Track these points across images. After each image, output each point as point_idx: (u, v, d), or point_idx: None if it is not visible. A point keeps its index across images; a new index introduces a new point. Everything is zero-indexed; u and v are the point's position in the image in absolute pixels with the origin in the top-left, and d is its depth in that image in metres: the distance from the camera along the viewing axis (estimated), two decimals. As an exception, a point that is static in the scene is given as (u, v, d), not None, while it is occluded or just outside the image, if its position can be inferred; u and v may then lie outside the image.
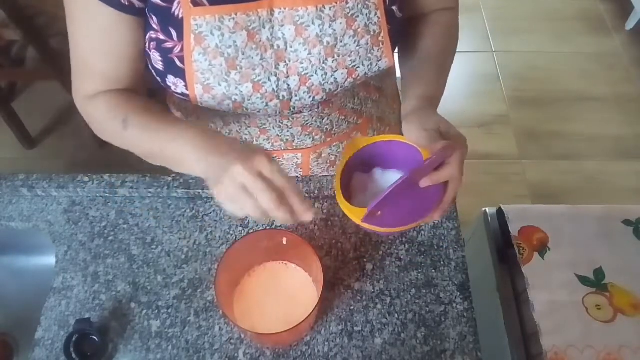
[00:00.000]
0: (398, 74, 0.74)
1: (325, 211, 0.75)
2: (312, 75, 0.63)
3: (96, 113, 0.64)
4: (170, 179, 0.77)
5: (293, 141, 0.75)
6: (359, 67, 0.64)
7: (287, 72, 0.62)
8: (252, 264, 0.66)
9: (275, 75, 0.62)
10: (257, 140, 0.75)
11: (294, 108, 0.67)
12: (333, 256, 0.71)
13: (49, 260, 0.76)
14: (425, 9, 0.72)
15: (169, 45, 0.59)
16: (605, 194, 1.85)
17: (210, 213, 0.75)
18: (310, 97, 0.65)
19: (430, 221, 0.58)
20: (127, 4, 0.56)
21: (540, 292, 0.82)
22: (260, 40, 0.60)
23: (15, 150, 1.95)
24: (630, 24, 2.36)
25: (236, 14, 0.57)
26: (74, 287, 0.69)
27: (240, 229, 0.74)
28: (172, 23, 0.58)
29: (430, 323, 0.66)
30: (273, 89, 0.62)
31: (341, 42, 0.61)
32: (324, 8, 0.59)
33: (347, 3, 0.60)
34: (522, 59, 2.30)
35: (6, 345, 0.79)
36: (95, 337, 0.63)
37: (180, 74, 0.60)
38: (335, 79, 0.64)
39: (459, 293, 0.68)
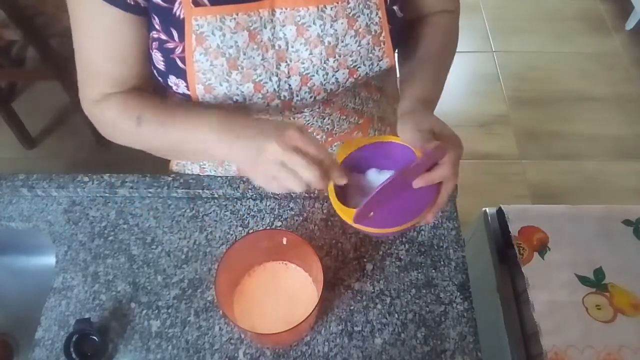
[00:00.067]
0: (398, 74, 0.74)
1: (325, 211, 0.75)
2: (313, 75, 0.63)
3: (106, 115, 0.64)
4: (170, 179, 0.77)
5: None
6: (360, 67, 0.64)
7: (288, 72, 0.62)
8: (252, 264, 0.66)
9: (277, 75, 0.62)
10: None
11: (295, 108, 0.67)
12: (333, 256, 0.71)
13: (49, 260, 0.76)
14: (425, 11, 0.72)
15: (170, 45, 0.59)
16: (605, 194, 1.85)
17: (210, 213, 0.75)
18: (311, 97, 0.65)
19: (424, 223, 0.58)
20: (132, 3, 0.56)
21: (540, 292, 0.82)
22: (262, 41, 0.60)
23: (15, 150, 1.95)
24: (630, 24, 2.36)
25: (237, 14, 0.57)
26: (74, 287, 0.69)
27: (240, 229, 0.74)
28: (174, 23, 0.58)
29: (430, 323, 0.66)
30: (274, 89, 0.62)
31: (342, 42, 0.61)
32: (325, 8, 0.59)
33: (348, 3, 0.60)
34: (522, 59, 2.30)
35: (6, 345, 0.79)
36: (95, 337, 0.63)
37: (182, 74, 0.60)
38: (337, 78, 0.64)
39: (459, 293, 0.68)
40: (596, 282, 0.84)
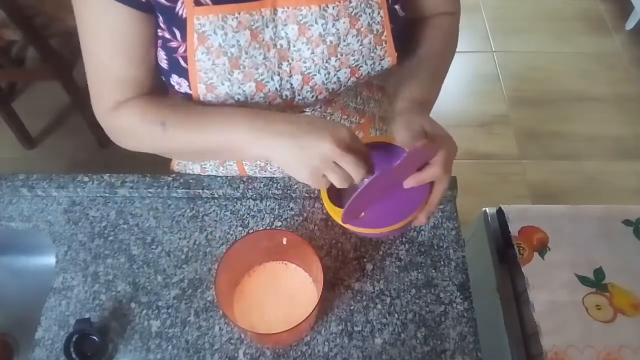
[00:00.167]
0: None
1: (325, 211, 0.75)
2: (315, 75, 0.63)
3: (125, 122, 0.62)
4: (170, 179, 0.77)
5: None
6: (361, 66, 0.64)
7: (290, 72, 0.62)
8: (252, 264, 0.66)
9: (278, 75, 0.62)
10: None
11: (296, 107, 0.67)
12: (333, 256, 0.71)
13: (49, 260, 0.76)
14: (426, 12, 0.72)
15: (173, 44, 0.59)
16: (605, 194, 1.85)
17: (210, 213, 0.75)
18: (313, 96, 0.65)
19: (417, 224, 0.58)
20: (144, 0, 0.56)
21: (540, 292, 0.82)
22: (263, 40, 0.60)
23: (15, 150, 1.95)
24: (630, 24, 2.37)
25: (239, 13, 0.57)
26: (74, 287, 0.69)
27: (240, 229, 0.74)
28: (176, 23, 0.58)
29: (430, 323, 0.66)
30: (276, 88, 0.62)
31: (344, 41, 0.61)
32: (327, 7, 0.59)
33: (350, 2, 0.60)
34: (522, 59, 2.30)
35: (6, 345, 0.79)
36: (95, 337, 0.63)
37: (184, 73, 0.60)
38: (338, 78, 0.64)
39: (459, 293, 0.68)
40: (596, 282, 0.84)
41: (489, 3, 2.51)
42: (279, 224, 0.75)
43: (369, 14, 0.61)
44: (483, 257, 0.96)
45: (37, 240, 0.77)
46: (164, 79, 0.63)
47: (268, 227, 0.74)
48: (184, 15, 0.57)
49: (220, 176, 0.78)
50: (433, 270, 0.70)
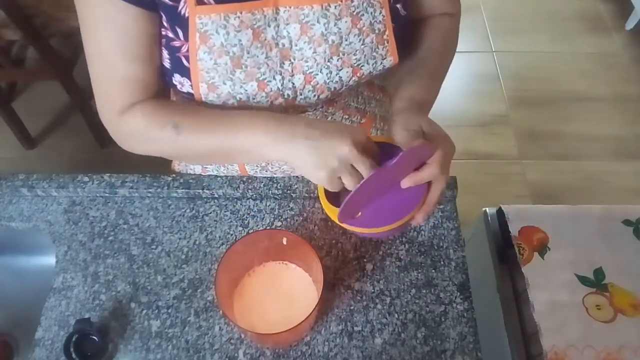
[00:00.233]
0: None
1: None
2: (317, 74, 0.63)
3: (134, 126, 0.62)
4: (170, 179, 0.77)
5: None
6: (363, 65, 0.64)
7: (292, 71, 0.62)
8: (252, 264, 0.66)
9: (280, 74, 0.62)
10: None
11: (298, 107, 0.67)
12: (333, 256, 0.71)
13: (49, 260, 0.76)
14: (426, 13, 0.72)
15: (176, 44, 0.59)
16: (605, 194, 1.85)
17: (210, 213, 0.75)
18: (315, 95, 0.65)
19: (415, 223, 0.59)
20: None
21: (540, 292, 0.82)
22: (265, 39, 0.59)
23: (15, 150, 1.95)
24: (630, 24, 2.37)
25: (241, 13, 0.57)
26: (74, 287, 0.69)
27: (240, 229, 0.74)
28: (179, 22, 0.58)
29: (430, 323, 0.66)
30: (278, 88, 0.62)
31: (346, 40, 0.61)
32: (329, 6, 0.59)
33: (352, 1, 0.60)
34: (522, 59, 2.30)
35: (6, 345, 0.79)
36: (95, 337, 0.63)
37: (186, 73, 0.60)
38: (340, 77, 0.64)
39: (459, 293, 0.68)
40: (596, 282, 0.84)
41: (489, 3, 2.51)
42: (279, 224, 0.75)
43: (371, 13, 0.61)
44: (483, 257, 0.96)
45: (37, 240, 0.77)
46: (166, 78, 0.63)
47: (268, 227, 0.74)
48: (186, 15, 0.57)
49: (220, 176, 0.78)
50: (433, 270, 0.70)
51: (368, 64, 0.64)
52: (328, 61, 0.62)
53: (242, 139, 0.58)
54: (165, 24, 0.58)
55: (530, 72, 2.25)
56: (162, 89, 0.65)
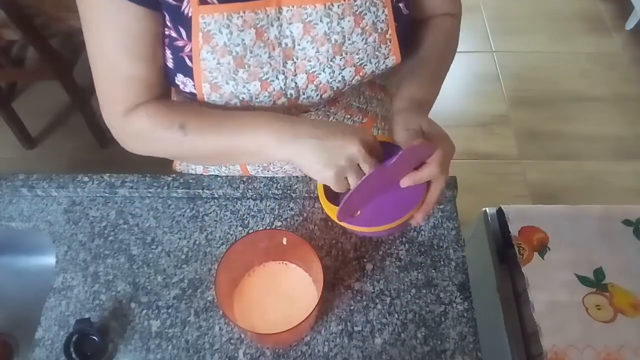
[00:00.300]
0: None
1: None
2: (320, 73, 0.63)
3: (139, 127, 0.62)
4: (170, 179, 0.77)
5: None
6: (366, 64, 0.64)
7: (295, 70, 0.62)
8: (252, 264, 0.66)
9: (283, 74, 0.62)
10: None
11: (301, 106, 0.67)
12: (333, 256, 0.71)
13: (49, 260, 0.76)
14: (428, 13, 0.72)
15: (179, 43, 0.59)
16: (605, 194, 1.85)
17: (210, 213, 0.75)
18: (317, 95, 0.65)
19: (415, 223, 0.59)
20: None
21: (540, 292, 0.82)
22: (268, 38, 0.59)
23: (15, 150, 1.95)
24: (630, 24, 2.37)
25: (244, 12, 0.57)
26: (74, 287, 0.69)
27: (240, 229, 0.74)
28: (182, 21, 0.57)
29: (430, 323, 0.66)
30: (281, 87, 0.62)
31: (349, 39, 0.61)
32: (332, 6, 0.59)
33: (355, 1, 0.60)
34: (522, 59, 2.30)
35: (6, 345, 0.79)
36: (95, 337, 0.63)
37: (189, 72, 0.60)
38: (343, 76, 0.64)
39: (459, 293, 0.68)
40: (596, 282, 0.84)
41: (489, 3, 2.51)
42: (279, 224, 0.75)
43: (374, 12, 0.61)
44: (483, 257, 0.96)
45: (37, 240, 0.77)
46: (169, 79, 0.63)
47: (268, 227, 0.74)
48: (189, 14, 0.57)
49: (220, 176, 0.78)
50: (433, 270, 0.70)
51: (371, 63, 0.64)
52: (331, 60, 0.62)
53: (246, 139, 0.59)
54: (168, 23, 0.58)
55: (530, 72, 2.25)
56: (165, 89, 0.65)
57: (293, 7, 0.59)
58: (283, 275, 0.66)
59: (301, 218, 0.75)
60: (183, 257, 0.71)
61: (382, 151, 0.57)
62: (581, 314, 0.81)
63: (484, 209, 1.00)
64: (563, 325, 0.79)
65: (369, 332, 0.65)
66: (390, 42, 0.64)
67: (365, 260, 0.71)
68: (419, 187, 0.57)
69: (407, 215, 0.57)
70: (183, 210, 0.76)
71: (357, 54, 0.62)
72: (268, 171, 0.78)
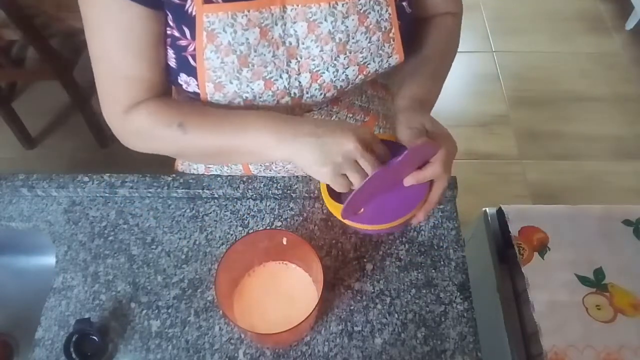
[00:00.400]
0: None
1: (325, 211, 0.75)
2: (324, 72, 0.63)
3: (139, 125, 0.62)
4: (170, 179, 0.77)
5: None
6: (370, 63, 0.64)
7: (299, 69, 0.62)
8: (252, 264, 0.66)
9: (287, 73, 0.62)
10: None
11: (304, 105, 0.67)
12: (333, 256, 0.71)
13: (49, 260, 0.76)
14: (430, 11, 0.72)
15: (182, 43, 0.59)
16: (605, 194, 1.85)
17: (210, 213, 0.75)
18: (321, 94, 0.65)
19: (416, 221, 0.59)
20: None
21: (540, 292, 0.82)
22: (273, 37, 0.59)
23: (15, 150, 1.95)
24: (630, 24, 2.37)
25: (249, 11, 0.57)
26: (74, 287, 0.69)
27: (241, 229, 0.74)
28: (186, 21, 0.57)
29: (430, 323, 0.66)
30: (284, 86, 0.62)
31: (353, 38, 0.61)
32: (337, 4, 0.59)
33: None
34: (522, 59, 2.30)
35: (6, 345, 0.79)
36: (95, 337, 0.63)
37: (193, 72, 0.60)
38: (347, 75, 0.64)
39: (459, 293, 0.68)
40: (596, 282, 0.84)
41: (489, 3, 2.51)
42: (279, 224, 0.75)
43: (378, 11, 0.61)
44: (483, 257, 0.96)
45: (37, 240, 0.77)
46: (171, 78, 0.63)
47: (268, 227, 0.74)
48: (193, 13, 0.57)
49: (220, 176, 0.78)
50: (433, 270, 0.70)
51: (374, 62, 0.64)
52: (335, 59, 0.62)
53: (246, 139, 0.59)
54: (171, 23, 0.58)
55: (530, 72, 2.25)
56: (167, 88, 0.65)
57: (297, 6, 0.59)
58: (283, 275, 0.66)
59: (301, 218, 0.75)
60: (183, 257, 0.71)
61: (382, 149, 0.57)
62: (581, 314, 0.81)
63: (484, 209, 1.00)
64: (563, 325, 0.79)
65: (369, 332, 0.65)
66: (393, 40, 0.64)
67: (365, 260, 0.71)
68: (421, 185, 0.57)
69: (409, 214, 0.57)
70: (183, 210, 0.76)
71: (361, 52, 0.62)
72: (270, 170, 0.78)
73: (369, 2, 0.60)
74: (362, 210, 0.58)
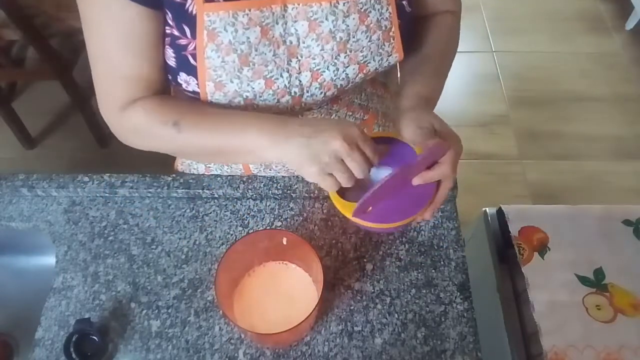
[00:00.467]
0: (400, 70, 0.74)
1: (325, 211, 0.75)
2: (324, 71, 0.63)
3: (136, 122, 0.62)
4: (170, 179, 0.77)
5: None
6: (370, 62, 0.64)
7: (299, 68, 0.62)
8: (252, 264, 0.66)
9: (287, 71, 0.62)
10: None
11: (304, 104, 0.67)
12: (333, 256, 0.71)
13: (49, 260, 0.76)
14: (429, 10, 0.72)
15: (182, 42, 0.59)
16: (605, 194, 1.85)
17: (210, 213, 0.75)
18: (321, 93, 0.65)
19: (422, 220, 0.59)
20: None
21: (540, 292, 0.82)
22: (273, 36, 0.60)
23: (15, 150, 1.95)
24: (630, 24, 2.36)
25: (250, 10, 0.57)
26: (74, 287, 0.69)
27: (240, 229, 0.74)
28: (186, 20, 0.57)
29: (430, 323, 0.66)
30: (285, 85, 0.62)
31: (353, 37, 0.61)
32: (338, 3, 0.59)
33: None
34: (522, 59, 2.30)
35: (6, 345, 0.79)
36: (95, 337, 0.63)
37: (193, 71, 0.60)
38: (347, 74, 0.64)
39: (459, 293, 0.68)
40: (596, 282, 0.84)
41: (489, 3, 2.51)
42: (279, 224, 0.75)
43: (378, 10, 0.61)
44: (483, 257, 0.96)
45: (37, 240, 0.77)
46: (170, 77, 0.63)
47: (268, 227, 0.74)
48: (194, 12, 0.57)
49: (220, 176, 0.78)
50: (433, 270, 0.70)
51: (374, 60, 0.64)
52: (335, 58, 0.62)
53: (240, 140, 0.59)
54: (170, 22, 0.58)
55: (530, 72, 2.25)
56: (165, 87, 0.65)
57: (299, 5, 0.59)
58: (283, 275, 0.66)
59: (301, 218, 0.75)
60: (183, 257, 0.71)
61: (375, 147, 0.56)
62: (581, 314, 0.81)
63: (484, 209, 1.00)
64: (563, 325, 0.79)
65: (369, 332, 0.65)
66: (393, 39, 0.64)
67: (365, 260, 0.71)
68: (429, 185, 0.57)
69: (418, 213, 0.57)
70: (183, 210, 0.76)
71: (361, 51, 0.63)
72: (270, 170, 0.78)
73: (370, 1, 0.60)
74: (370, 208, 0.59)
